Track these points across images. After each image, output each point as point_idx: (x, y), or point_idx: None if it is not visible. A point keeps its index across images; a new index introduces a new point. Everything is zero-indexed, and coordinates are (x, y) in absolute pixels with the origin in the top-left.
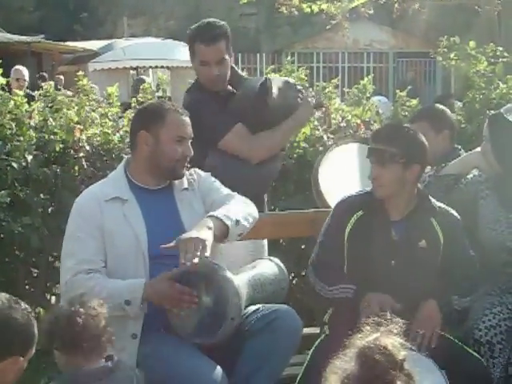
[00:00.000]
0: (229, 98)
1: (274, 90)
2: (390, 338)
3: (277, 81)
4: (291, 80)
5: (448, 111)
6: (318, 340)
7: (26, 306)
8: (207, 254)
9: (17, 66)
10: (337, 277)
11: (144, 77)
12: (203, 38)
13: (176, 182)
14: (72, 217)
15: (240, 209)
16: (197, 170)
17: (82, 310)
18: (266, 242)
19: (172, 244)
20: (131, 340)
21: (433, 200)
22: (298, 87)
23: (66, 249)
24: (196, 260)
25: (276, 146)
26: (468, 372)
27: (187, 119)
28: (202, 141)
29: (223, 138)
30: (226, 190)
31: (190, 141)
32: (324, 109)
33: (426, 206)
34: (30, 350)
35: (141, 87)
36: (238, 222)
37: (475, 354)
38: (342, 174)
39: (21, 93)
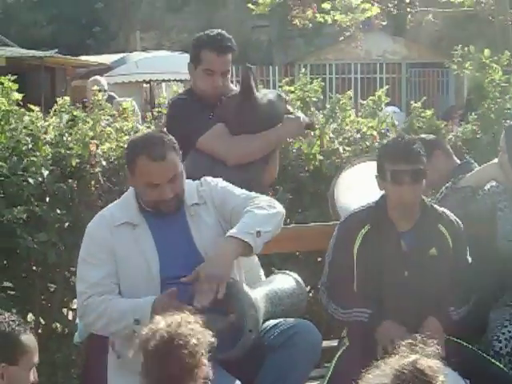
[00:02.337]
0: (215, 106)
1: (261, 96)
2: (428, 362)
3: (268, 92)
4: (283, 95)
5: (426, 135)
6: (340, 351)
7: (10, 316)
8: (220, 296)
9: (95, 77)
10: (351, 299)
11: (118, 97)
12: (214, 46)
13: (186, 198)
14: (84, 242)
15: (260, 215)
16: (206, 178)
17: (180, 341)
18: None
19: (191, 276)
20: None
21: (436, 206)
22: (289, 107)
23: (80, 273)
24: (206, 303)
25: (255, 152)
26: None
27: (162, 164)
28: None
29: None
30: (242, 193)
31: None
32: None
33: (432, 213)
34: (20, 358)
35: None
36: (259, 232)
37: (499, 364)
38: (358, 193)
39: None
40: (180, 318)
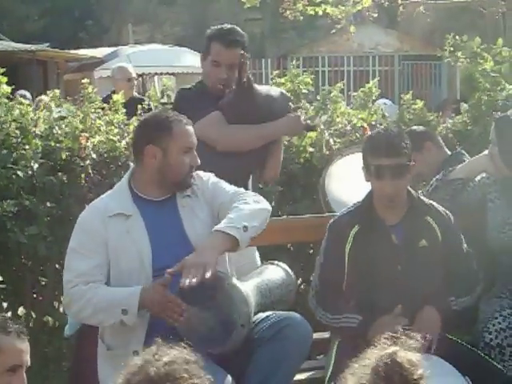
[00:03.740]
0: (221, 99)
1: (262, 90)
2: (407, 354)
3: (271, 88)
4: (288, 94)
5: (417, 127)
6: (337, 342)
7: None
8: (208, 275)
9: (120, 64)
10: (341, 305)
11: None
12: (223, 39)
13: None
14: (76, 232)
15: (246, 210)
16: (199, 173)
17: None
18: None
19: (177, 268)
20: (133, 357)
21: (423, 198)
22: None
23: (68, 262)
24: (193, 281)
25: (247, 142)
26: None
27: (191, 128)
28: None
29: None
30: (231, 189)
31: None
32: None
33: (420, 205)
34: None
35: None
36: (245, 227)
37: (495, 363)
38: (349, 184)
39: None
40: (177, 354)
